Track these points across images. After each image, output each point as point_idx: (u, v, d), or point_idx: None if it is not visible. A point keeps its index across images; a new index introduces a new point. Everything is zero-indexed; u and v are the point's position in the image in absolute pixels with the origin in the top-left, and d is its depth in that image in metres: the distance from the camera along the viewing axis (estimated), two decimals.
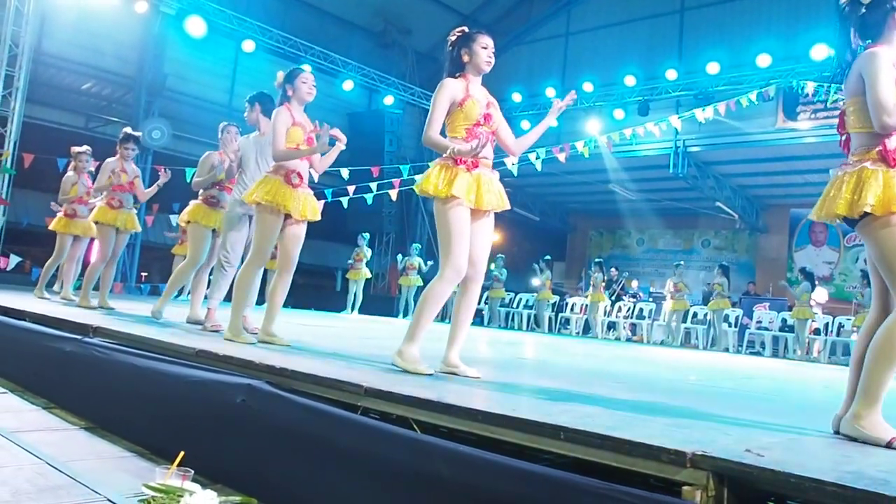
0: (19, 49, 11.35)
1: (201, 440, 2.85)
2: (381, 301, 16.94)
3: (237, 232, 5.29)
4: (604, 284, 14.79)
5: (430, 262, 14.31)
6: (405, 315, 15.00)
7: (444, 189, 3.41)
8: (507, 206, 3.64)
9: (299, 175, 4.43)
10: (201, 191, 5.85)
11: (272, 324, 4.46)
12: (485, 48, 3.60)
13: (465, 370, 3.44)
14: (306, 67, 4.75)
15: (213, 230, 5.77)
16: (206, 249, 5.79)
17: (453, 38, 3.66)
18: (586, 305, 15.29)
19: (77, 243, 7.74)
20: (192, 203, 5.89)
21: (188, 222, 5.81)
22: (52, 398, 3.89)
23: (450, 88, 3.54)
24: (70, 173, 7.83)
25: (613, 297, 16.12)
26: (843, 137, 2.85)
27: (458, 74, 3.61)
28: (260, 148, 5.17)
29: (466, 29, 3.68)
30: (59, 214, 7.72)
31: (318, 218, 4.59)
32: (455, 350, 3.53)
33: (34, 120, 13.14)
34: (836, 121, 2.95)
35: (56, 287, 8.66)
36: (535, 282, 15.67)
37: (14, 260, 11.02)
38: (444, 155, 3.48)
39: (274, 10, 16.72)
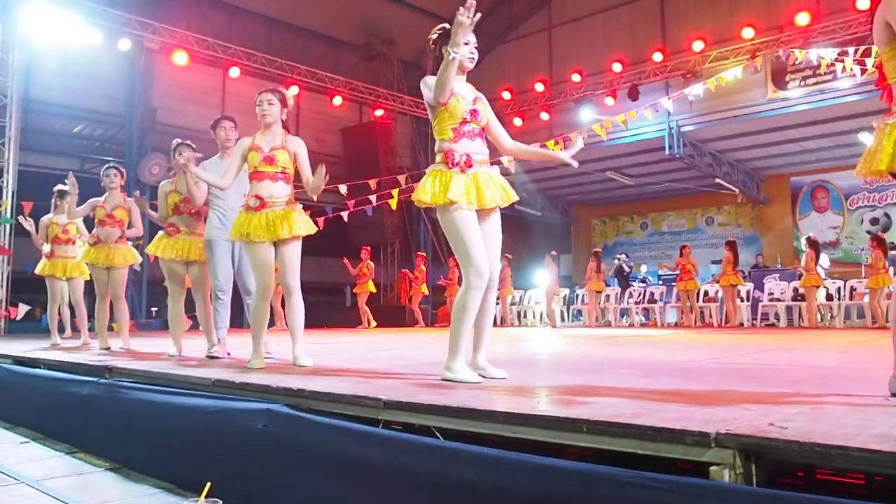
0: (8, 99, 11.42)
1: (227, 469, 2.85)
2: (391, 312, 16.94)
3: (223, 256, 5.19)
4: (601, 274, 14.85)
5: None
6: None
7: (441, 196, 3.33)
8: (515, 198, 3.55)
9: (257, 197, 4.32)
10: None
11: (298, 347, 4.41)
12: (466, 44, 3.45)
13: (492, 372, 3.43)
14: (261, 97, 4.58)
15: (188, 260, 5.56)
16: (181, 280, 5.61)
17: (434, 36, 3.57)
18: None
19: (72, 284, 7.46)
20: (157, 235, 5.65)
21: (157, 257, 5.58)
22: (74, 442, 3.90)
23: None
24: (48, 215, 7.59)
25: (614, 276, 16.20)
26: (885, 91, 2.68)
27: None
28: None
29: (447, 26, 3.51)
30: (44, 258, 7.49)
31: (301, 231, 4.39)
32: (481, 353, 3.51)
33: (29, 168, 13.19)
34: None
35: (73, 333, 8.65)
36: (548, 276, 15.67)
37: (23, 309, 11.07)
38: (447, 58, 3.24)
39: (257, 33, 16.80)
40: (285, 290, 4.45)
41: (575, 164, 3.72)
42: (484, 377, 3.39)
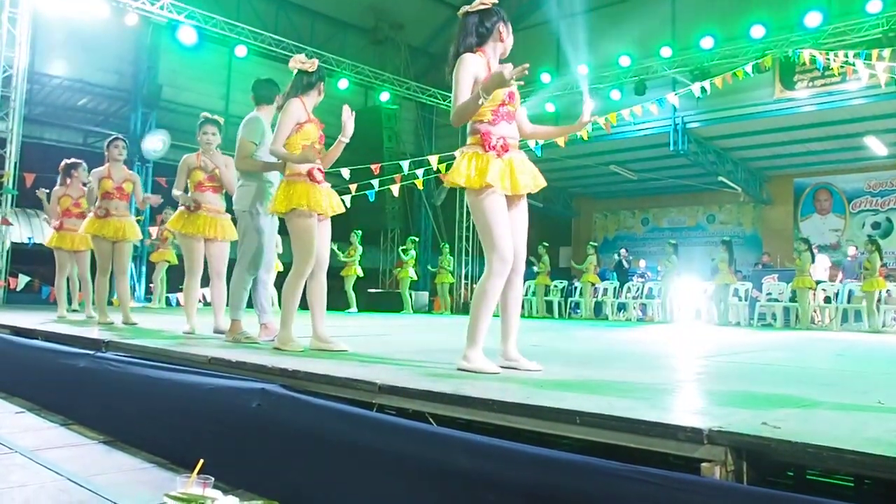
0: (13, 70, 11.37)
1: (220, 447, 2.86)
2: (388, 297, 16.95)
3: (268, 235, 4.93)
4: (596, 266, 15.04)
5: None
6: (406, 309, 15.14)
7: (477, 179, 3.25)
8: (543, 184, 3.48)
9: (321, 171, 4.28)
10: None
11: (321, 327, 4.30)
12: (510, 35, 3.59)
13: (525, 364, 3.34)
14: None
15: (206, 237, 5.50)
16: (200, 258, 5.52)
17: (485, 6, 3.50)
18: (596, 288, 15.45)
19: (78, 257, 7.44)
20: (176, 212, 5.58)
21: (174, 233, 5.57)
22: (69, 414, 3.91)
23: (473, 64, 3.35)
24: (58, 187, 7.58)
25: (613, 270, 16.28)
26: None
27: (476, 49, 3.45)
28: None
29: (487, 3, 3.53)
30: (52, 230, 7.49)
31: (343, 210, 4.39)
32: (511, 344, 3.43)
33: (32, 139, 13.18)
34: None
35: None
36: (533, 269, 15.75)
37: (23, 280, 11.08)
38: (476, 98, 3.25)
39: (265, 13, 16.73)
40: (318, 266, 4.31)
41: (588, 115, 3.60)
42: (517, 369, 3.29)
